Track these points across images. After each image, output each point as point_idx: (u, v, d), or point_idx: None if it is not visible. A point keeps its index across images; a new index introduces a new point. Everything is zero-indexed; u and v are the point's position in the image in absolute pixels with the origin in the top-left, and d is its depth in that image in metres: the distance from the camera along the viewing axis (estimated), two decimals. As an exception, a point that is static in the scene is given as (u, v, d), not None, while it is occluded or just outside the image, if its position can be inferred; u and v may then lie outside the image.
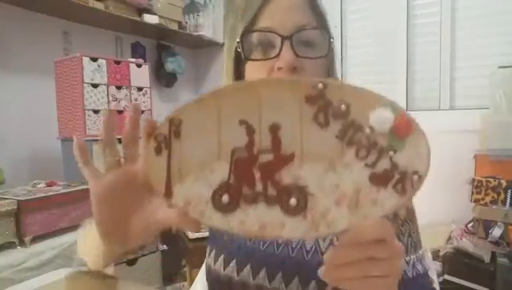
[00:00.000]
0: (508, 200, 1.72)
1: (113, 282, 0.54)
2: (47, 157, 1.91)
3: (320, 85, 0.34)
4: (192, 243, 1.56)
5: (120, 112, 1.91)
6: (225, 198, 0.34)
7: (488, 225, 1.75)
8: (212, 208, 0.34)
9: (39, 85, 1.92)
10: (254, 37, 0.54)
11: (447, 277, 1.69)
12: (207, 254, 0.64)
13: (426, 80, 2.31)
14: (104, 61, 1.84)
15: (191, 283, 0.89)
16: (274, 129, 0.35)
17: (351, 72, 2.57)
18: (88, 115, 1.78)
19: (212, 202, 0.34)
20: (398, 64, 2.35)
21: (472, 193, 1.82)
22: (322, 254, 0.56)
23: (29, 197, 1.46)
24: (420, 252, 0.59)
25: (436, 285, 0.65)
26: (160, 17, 2.29)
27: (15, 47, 1.84)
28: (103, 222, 0.40)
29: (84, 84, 1.76)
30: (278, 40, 0.52)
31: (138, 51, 2.46)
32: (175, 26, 2.43)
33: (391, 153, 0.34)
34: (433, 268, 0.62)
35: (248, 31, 0.54)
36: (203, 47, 2.82)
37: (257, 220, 0.34)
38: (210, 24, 2.66)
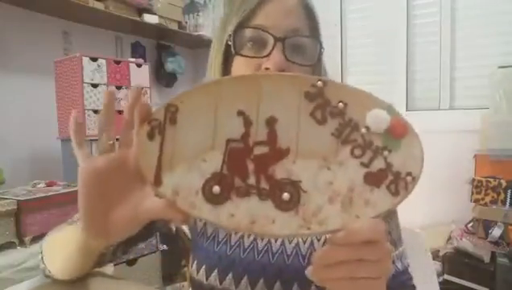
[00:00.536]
0: (508, 200, 1.72)
1: None
2: (47, 157, 1.90)
3: (320, 83, 0.34)
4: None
5: (120, 112, 1.90)
6: (216, 189, 0.34)
7: (488, 225, 1.75)
8: (202, 198, 0.34)
9: (39, 85, 1.92)
10: (247, 33, 0.54)
11: (447, 277, 1.69)
12: (190, 264, 0.63)
13: (426, 80, 2.31)
14: (104, 61, 1.84)
15: (191, 283, 0.89)
16: (271, 122, 0.34)
17: (351, 71, 2.57)
18: (88, 115, 1.77)
19: (202, 192, 0.34)
20: (398, 64, 2.35)
21: (472, 193, 1.82)
22: (303, 257, 0.56)
23: (29, 197, 1.46)
24: (400, 249, 0.59)
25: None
26: (160, 17, 2.29)
27: (15, 47, 1.83)
28: (88, 209, 0.38)
29: (84, 84, 1.76)
30: (270, 40, 0.52)
31: (138, 51, 2.46)
32: (175, 26, 2.43)
33: (386, 153, 0.34)
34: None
35: (242, 26, 0.54)
36: (203, 47, 2.82)
37: (247, 213, 0.34)
38: (210, 24, 2.65)
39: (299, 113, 0.34)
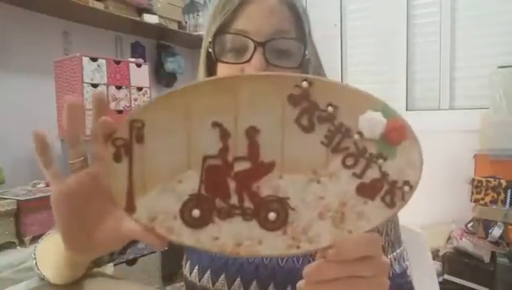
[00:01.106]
0: (508, 200, 1.72)
1: None
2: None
3: (305, 84, 0.30)
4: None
5: (120, 112, 1.91)
6: (196, 212, 0.30)
7: (488, 225, 1.75)
8: (182, 223, 0.31)
9: (39, 85, 1.92)
10: (228, 38, 0.52)
11: (447, 277, 1.69)
12: (183, 265, 0.63)
13: (426, 80, 2.31)
14: (104, 61, 1.84)
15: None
16: (252, 133, 0.30)
17: (351, 71, 2.57)
18: (88, 115, 1.77)
19: (181, 217, 0.31)
20: (398, 64, 2.35)
21: (472, 193, 1.82)
22: (297, 259, 0.55)
23: (29, 197, 1.46)
24: (398, 251, 0.57)
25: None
26: (160, 17, 2.29)
27: (15, 47, 1.83)
28: (65, 230, 0.36)
29: (84, 84, 1.76)
30: (251, 45, 0.50)
31: (137, 51, 2.46)
32: (174, 26, 2.43)
33: (381, 161, 0.31)
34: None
35: (222, 31, 0.52)
36: (203, 47, 2.82)
37: (232, 236, 0.31)
38: (210, 24, 2.65)
39: (283, 121, 0.30)
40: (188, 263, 0.61)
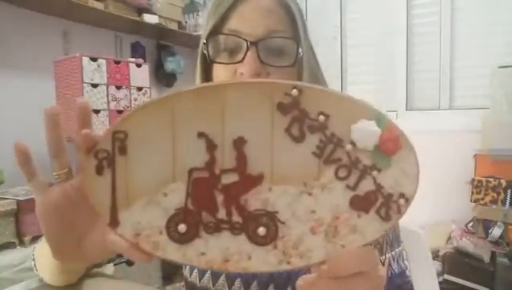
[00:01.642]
0: (508, 200, 1.73)
1: None
2: (47, 157, 1.90)
3: (295, 92, 0.29)
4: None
5: (120, 112, 1.91)
6: (182, 227, 0.29)
7: (488, 225, 1.76)
8: (167, 238, 0.30)
9: (39, 85, 1.91)
10: (221, 39, 0.52)
11: (447, 277, 1.69)
12: (183, 266, 0.63)
13: (426, 80, 2.31)
14: (103, 61, 1.84)
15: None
16: (240, 143, 0.29)
17: (350, 71, 2.57)
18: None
19: (166, 232, 0.30)
20: (398, 64, 2.35)
21: (472, 193, 1.82)
22: None
23: (29, 197, 1.46)
24: (397, 250, 0.57)
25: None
26: (160, 17, 2.29)
27: (15, 46, 1.83)
28: (52, 241, 0.35)
29: (84, 84, 1.76)
30: (244, 45, 0.50)
31: (137, 50, 2.46)
32: (174, 26, 2.43)
33: (375, 173, 0.29)
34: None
35: (214, 32, 0.52)
36: (203, 47, 2.82)
37: (219, 251, 0.30)
38: (210, 24, 2.65)
39: (272, 131, 0.29)
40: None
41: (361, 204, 0.30)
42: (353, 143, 0.29)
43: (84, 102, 0.33)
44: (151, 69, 2.41)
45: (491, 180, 1.77)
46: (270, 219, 0.30)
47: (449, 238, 1.83)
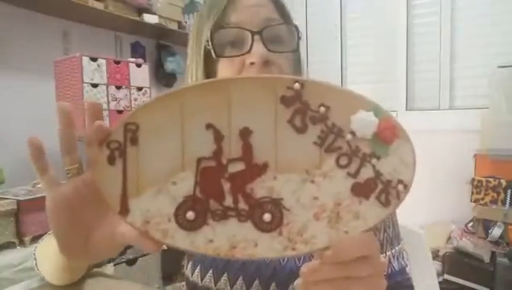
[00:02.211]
0: (508, 200, 1.73)
1: None
2: (47, 157, 1.90)
3: (297, 85, 0.30)
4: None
5: (120, 112, 1.91)
6: (190, 214, 0.30)
7: (487, 225, 1.76)
8: (176, 226, 0.30)
9: (39, 85, 1.91)
10: (224, 34, 0.53)
11: (447, 277, 1.69)
12: (184, 265, 0.63)
13: (426, 80, 2.31)
14: (103, 61, 1.84)
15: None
16: (245, 134, 0.31)
17: (350, 71, 2.57)
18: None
19: (175, 219, 0.30)
20: (398, 64, 2.35)
21: (472, 193, 1.82)
22: (299, 258, 0.55)
23: (29, 197, 1.46)
24: (397, 248, 0.57)
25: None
26: (160, 17, 2.29)
27: (15, 46, 1.83)
28: (61, 237, 0.36)
29: (84, 84, 1.76)
30: (248, 35, 0.51)
31: (137, 50, 2.46)
32: (174, 26, 2.43)
33: (374, 161, 0.31)
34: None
35: (217, 27, 0.53)
36: (203, 46, 2.81)
37: (227, 238, 0.31)
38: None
39: (276, 122, 0.31)
40: (190, 263, 0.61)
41: (361, 190, 0.31)
42: (352, 133, 0.31)
43: (97, 104, 0.35)
44: (151, 69, 2.41)
45: (491, 180, 1.78)
46: (276, 206, 0.31)
47: (449, 238, 1.83)
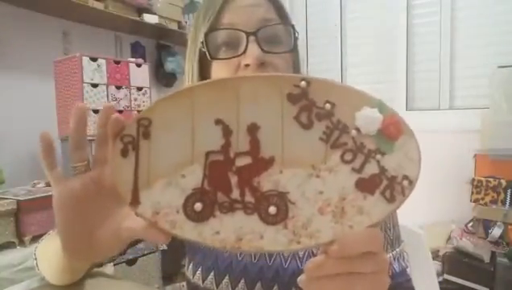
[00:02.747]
0: (508, 200, 1.73)
1: None
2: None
3: (303, 83, 0.31)
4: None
5: (120, 112, 1.91)
6: (198, 206, 0.31)
7: (487, 225, 1.76)
8: (184, 217, 0.31)
9: (39, 85, 1.91)
10: (218, 36, 0.52)
11: (447, 277, 1.69)
12: (185, 266, 0.63)
13: (426, 80, 2.31)
14: (103, 61, 1.84)
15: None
16: (253, 129, 0.32)
17: (350, 71, 2.57)
18: (88, 115, 1.78)
19: (183, 210, 0.31)
20: (398, 64, 2.35)
21: (472, 193, 1.82)
22: (300, 260, 0.55)
23: (29, 197, 1.46)
24: (397, 250, 0.57)
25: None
26: (160, 17, 2.29)
27: (15, 46, 1.83)
28: (67, 233, 0.36)
29: (84, 84, 1.76)
30: (243, 36, 0.50)
31: (137, 50, 2.46)
32: (174, 26, 2.43)
33: (379, 157, 0.31)
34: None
35: (212, 29, 0.53)
36: (203, 46, 2.81)
37: (233, 230, 0.31)
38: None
39: (283, 118, 0.32)
40: (191, 264, 0.61)
41: (366, 186, 0.31)
42: (357, 129, 0.31)
43: (110, 106, 0.35)
44: (151, 69, 2.41)
45: (491, 180, 1.78)
46: (281, 199, 0.32)
47: (449, 238, 1.83)
